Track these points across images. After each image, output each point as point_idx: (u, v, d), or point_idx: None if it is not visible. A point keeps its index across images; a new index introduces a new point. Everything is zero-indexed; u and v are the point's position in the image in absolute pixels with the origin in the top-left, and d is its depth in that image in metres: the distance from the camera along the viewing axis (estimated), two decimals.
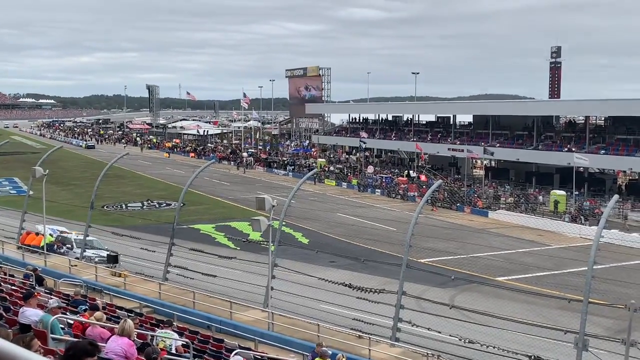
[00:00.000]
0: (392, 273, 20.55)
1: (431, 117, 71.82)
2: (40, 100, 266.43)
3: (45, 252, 25.87)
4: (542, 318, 20.58)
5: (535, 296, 22.06)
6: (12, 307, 11.33)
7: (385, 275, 24.22)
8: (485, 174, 58.78)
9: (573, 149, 49.94)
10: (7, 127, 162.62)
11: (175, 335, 13.01)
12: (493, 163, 63.08)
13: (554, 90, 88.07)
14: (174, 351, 11.98)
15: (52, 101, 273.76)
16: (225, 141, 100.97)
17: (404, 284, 17.30)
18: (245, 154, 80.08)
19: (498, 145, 56.54)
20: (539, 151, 53.44)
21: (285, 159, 76.81)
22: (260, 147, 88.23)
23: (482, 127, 61.26)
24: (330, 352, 14.18)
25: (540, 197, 48.60)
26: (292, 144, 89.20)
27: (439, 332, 16.41)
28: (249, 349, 14.50)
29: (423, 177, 57.56)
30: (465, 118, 67.56)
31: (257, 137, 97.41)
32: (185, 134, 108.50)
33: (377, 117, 78.29)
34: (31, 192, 29.88)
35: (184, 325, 16.47)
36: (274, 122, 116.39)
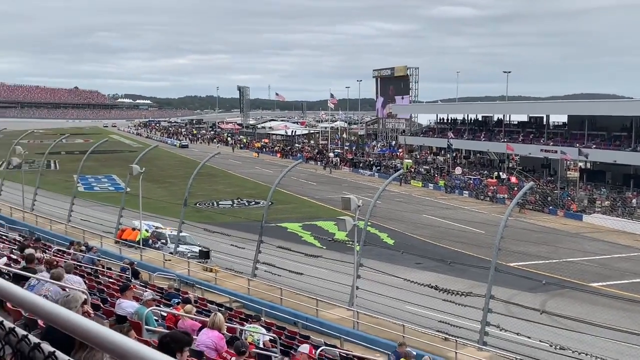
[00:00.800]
0: (480, 276, 20.22)
1: (523, 117, 69.78)
2: (137, 101, 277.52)
3: (141, 246, 26.96)
4: (638, 326, 19.68)
5: (632, 303, 21.16)
6: (109, 299, 11.90)
7: (472, 279, 23.81)
8: (580, 176, 56.63)
9: None
10: (106, 126, 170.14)
11: (263, 330, 13.28)
12: (588, 165, 60.68)
13: None
14: (261, 345, 12.24)
15: (148, 102, 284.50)
16: (312, 141, 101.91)
17: (492, 288, 16.99)
18: (331, 154, 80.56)
19: (594, 146, 54.35)
20: (637, 153, 50.97)
21: (371, 159, 76.73)
22: (347, 148, 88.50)
23: (577, 127, 59.03)
24: (414, 353, 14.11)
25: (634, 201, 46.40)
26: (378, 145, 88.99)
27: (529, 338, 16.01)
28: (334, 346, 14.64)
29: (513, 179, 56.11)
30: (559, 118, 65.25)
31: (344, 137, 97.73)
32: (274, 134, 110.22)
33: (466, 118, 76.93)
34: (128, 189, 31.21)
35: (272, 321, 16.80)
36: (361, 123, 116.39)
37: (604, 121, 56.48)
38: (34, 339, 1.86)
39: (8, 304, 6.05)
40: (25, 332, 1.90)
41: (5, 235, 22.20)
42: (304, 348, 9.51)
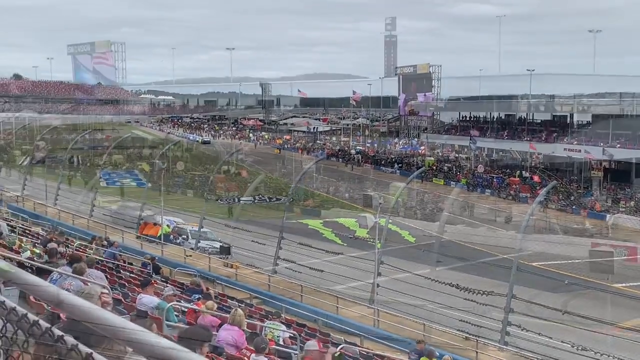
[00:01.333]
0: (502, 275, 20.06)
1: (547, 116, 69.14)
2: (160, 97, 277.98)
3: (162, 242, 27.09)
4: None
5: None
6: (130, 294, 11.97)
7: (494, 278, 23.59)
8: (604, 175, 55.90)
9: None
10: (129, 122, 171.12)
11: (283, 327, 13.27)
12: (613, 164, 59.90)
13: None
14: (281, 342, 12.23)
15: (171, 97, 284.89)
16: (334, 138, 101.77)
17: (513, 287, 16.86)
18: (353, 151, 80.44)
19: (618, 145, 53.65)
20: None
21: (393, 156, 76.51)
22: (369, 145, 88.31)
23: (601, 126, 58.30)
24: (437, 353, 14.03)
25: None
26: (400, 142, 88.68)
27: (550, 338, 15.88)
28: (354, 344, 14.61)
29: (536, 178, 55.61)
30: (583, 117, 64.52)
31: (366, 134, 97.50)
32: (296, 130, 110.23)
33: (488, 116, 76.31)
34: (150, 185, 31.41)
35: (292, 318, 16.80)
36: (382, 120, 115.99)
37: (630, 120, 55.73)
38: (57, 331, 1.87)
39: (31, 297, 6.11)
40: (48, 325, 1.91)
41: (28, 229, 22.46)
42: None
